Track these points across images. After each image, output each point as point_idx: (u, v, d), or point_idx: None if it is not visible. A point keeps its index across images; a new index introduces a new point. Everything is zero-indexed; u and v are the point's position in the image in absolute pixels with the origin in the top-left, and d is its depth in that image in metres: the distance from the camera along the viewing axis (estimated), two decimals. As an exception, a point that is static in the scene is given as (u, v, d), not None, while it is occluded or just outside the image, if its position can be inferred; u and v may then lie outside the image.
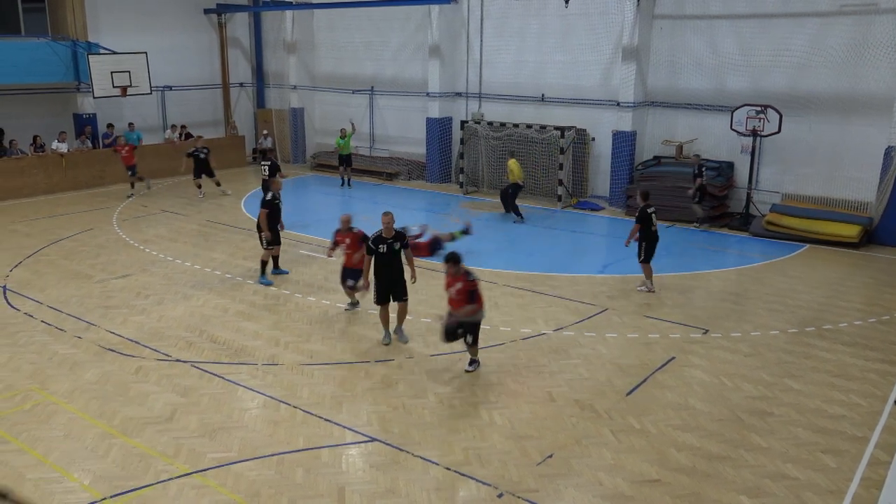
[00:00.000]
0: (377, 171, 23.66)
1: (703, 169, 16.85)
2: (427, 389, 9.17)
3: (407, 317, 10.82)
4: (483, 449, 7.81)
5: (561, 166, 19.43)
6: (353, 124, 22.15)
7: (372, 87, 24.33)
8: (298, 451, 7.78)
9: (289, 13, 25.05)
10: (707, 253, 15.44)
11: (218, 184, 20.46)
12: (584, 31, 19.59)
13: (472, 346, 9.57)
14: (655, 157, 18.93)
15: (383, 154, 24.59)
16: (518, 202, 18.22)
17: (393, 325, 10.68)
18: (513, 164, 18.23)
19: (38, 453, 7.72)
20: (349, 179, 22.25)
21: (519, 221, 17.90)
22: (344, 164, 22.06)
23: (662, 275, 13.82)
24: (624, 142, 18.94)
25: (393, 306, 10.57)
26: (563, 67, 20.19)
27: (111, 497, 6.96)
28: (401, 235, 10.29)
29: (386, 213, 10.22)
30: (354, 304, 11.86)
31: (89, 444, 7.89)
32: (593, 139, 19.96)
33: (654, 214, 12.70)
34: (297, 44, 25.40)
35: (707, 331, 11.11)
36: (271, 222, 12.97)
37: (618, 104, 18.98)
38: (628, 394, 9.09)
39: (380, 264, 10.25)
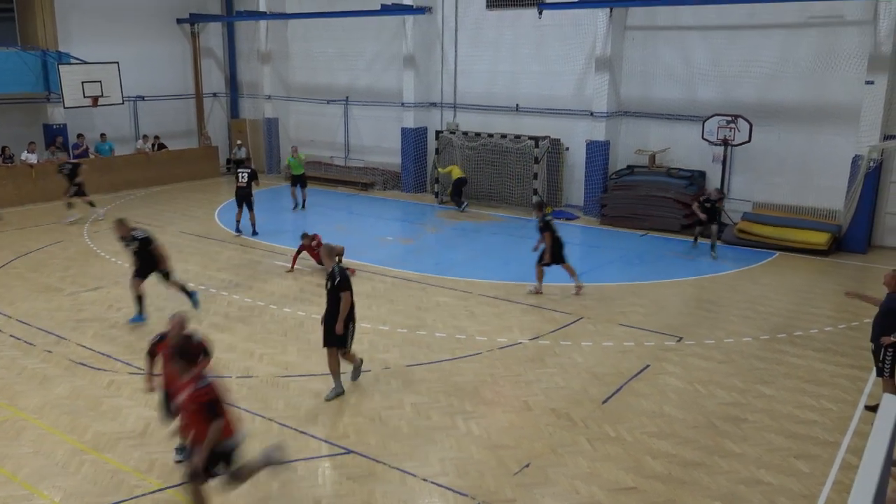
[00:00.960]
0: (352, 181, 23.61)
1: (721, 201, 16.18)
2: (403, 400, 9.15)
3: (381, 326, 10.77)
4: (460, 459, 7.81)
5: (535, 176, 19.55)
6: (294, 149, 20.64)
7: (347, 97, 24.32)
8: (274, 464, 7.70)
9: (262, 23, 24.97)
10: (680, 261, 15.60)
11: (71, 205, 18.69)
12: (557, 42, 19.77)
13: (238, 480, 6.58)
14: (629, 167, 19.12)
15: (358, 164, 24.56)
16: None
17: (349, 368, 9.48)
18: (453, 167, 20.28)
19: (6, 470, 7.57)
20: (304, 201, 20.43)
21: (459, 210, 20.00)
22: (298, 185, 20.29)
23: (636, 283, 13.96)
24: (597, 151, 19.11)
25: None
26: (537, 77, 20.34)
27: (82, 514, 6.84)
28: (332, 275, 8.81)
29: (324, 245, 9.42)
30: (182, 448, 7.34)
31: (60, 461, 7.75)
32: (567, 149, 20.11)
33: (552, 221, 13.18)
34: (271, 54, 25.32)
35: (681, 338, 11.22)
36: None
37: (591, 114, 19.15)
38: (604, 402, 9.14)
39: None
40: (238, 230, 17.25)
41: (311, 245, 14.44)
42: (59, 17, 21.80)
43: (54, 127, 22.13)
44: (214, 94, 27.20)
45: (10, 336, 11.16)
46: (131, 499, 7.07)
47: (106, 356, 10.43)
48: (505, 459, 7.80)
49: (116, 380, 9.69)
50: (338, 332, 8.80)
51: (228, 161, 25.92)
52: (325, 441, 8.17)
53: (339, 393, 9.13)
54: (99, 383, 9.58)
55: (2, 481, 7.37)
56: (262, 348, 10.76)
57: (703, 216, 15.65)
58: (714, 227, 15.77)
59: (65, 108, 21.34)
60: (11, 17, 21.73)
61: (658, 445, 8.10)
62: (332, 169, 24.63)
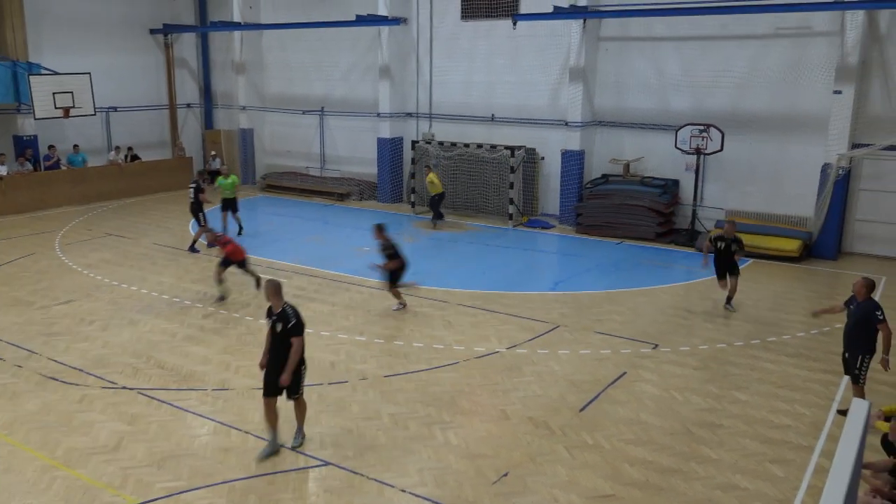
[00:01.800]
0: (328, 191, 23.54)
1: (735, 244, 12.72)
2: (381, 411, 9.11)
3: (358, 337, 10.68)
4: (438, 469, 7.78)
5: (511, 185, 19.64)
6: (225, 169, 18.70)
7: (322, 108, 24.27)
8: (250, 477, 7.62)
9: (237, 33, 24.87)
10: (654, 269, 15.73)
11: None
12: (532, 53, 19.92)
13: None
14: (604, 176, 19.28)
15: (334, 174, 24.49)
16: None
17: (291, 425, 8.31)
18: (434, 176, 19.20)
19: (-25, 488, 7.41)
20: (239, 226, 18.12)
21: (441, 223, 19.40)
22: (229, 210, 18.07)
23: (612, 291, 14.04)
24: (573, 161, 19.25)
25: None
26: (512, 88, 20.47)
27: (54, 532, 6.71)
28: (285, 316, 7.75)
29: (267, 282, 8.14)
30: None
31: (30, 478, 7.60)
32: (543, 158, 20.24)
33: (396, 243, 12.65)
34: (245, 64, 25.21)
35: (657, 345, 11.30)
36: None
37: (566, 124, 19.29)
38: (581, 410, 9.17)
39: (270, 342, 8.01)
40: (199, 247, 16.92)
41: (218, 241, 13.85)
42: (29, 26, 21.53)
43: (25, 138, 21.82)
44: (188, 105, 27.00)
45: (-21, 351, 10.95)
46: (104, 515, 6.96)
47: (78, 370, 10.27)
48: (483, 469, 7.79)
49: (88, 394, 9.54)
50: (283, 384, 7.74)
51: (203, 172, 25.66)
52: (303, 453, 8.10)
53: (275, 450, 7.98)
54: (71, 398, 9.43)
55: (-30, 500, 7.23)
56: (238, 360, 10.66)
57: (706, 255, 12.96)
58: (734, 280, 12.79)
59: (35, 119, 21.04)
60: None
61: (635, 452, 8.14)
62: (308, 179, 24.54)
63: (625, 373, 10.27)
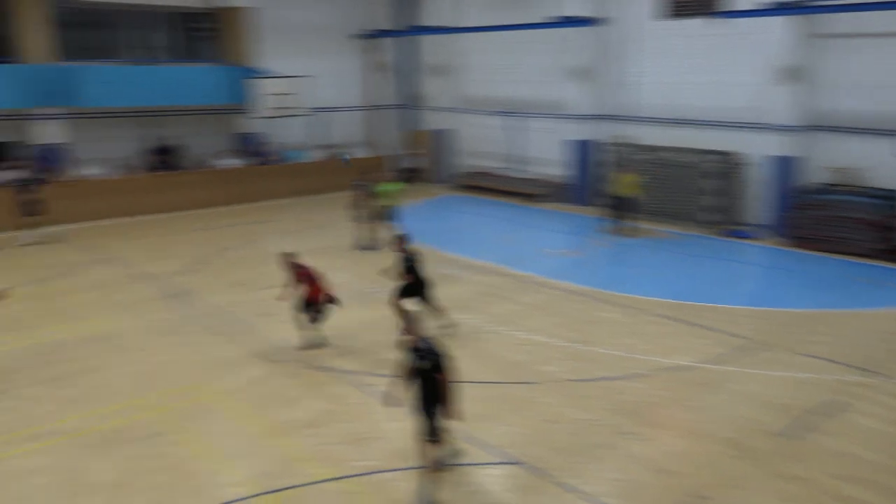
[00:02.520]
0: (520, 192, 23.64)
1: None
2: (565, 414, 9.04)
3: (543, 339, 10.58)
4: (625, 481, 7.59)
5: (713, 191, 18.64)
6: (388, 174, 17.75)
7: (518, 109, 24.43)
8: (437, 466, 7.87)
9: (435, 37, 25.74)
10: (872, 288, 14.24)
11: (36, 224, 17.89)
12: (735, 51, 18.71)
13: None
14: (824, 185, 17.64)
15: (526, 175, 24.46)
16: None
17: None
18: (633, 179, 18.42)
19: (195, 447, 8.29)
20: (384, 238, 16.35)
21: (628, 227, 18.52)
22: (386, 218, 16.86)
23: (822, 310, 12.90)
24: (783, 167, 17.90)
25: None
26: (713, 88, 19.36)
27: (256, 495, 7.34)
28: (425, 351, 7.15)
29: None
30: None
31: (249, 442, 8.39)
32: (749, 164, 18.99)
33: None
34: (445, 67, 26.06)
35: (869, 372, 10.24)
36: None
37: (774, 127, 17.98)
38: (782, 435, 8.53)
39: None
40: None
41: (299, 267, 11.32)
42: (253, 35, 23.67)
43: (247, 135, 24.06)
44: (390, 106, 28.25)
45: (204, 325, 12.23)
46: (302, 485, 7.51)
47: (288, 349, 11.13)
48: (671, 486, 7.49)
49: (296, 371, 10.33)
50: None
51: (400, 171, 26.84)
52: (487, 448, 8.23)
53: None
54: (283, 374, 10.27)
55: (189, 457, 8.10)
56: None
57: None
58: None
59: (256, 118, 23.04)
60: (213, 36, 23.81)
61: (845, 489, 7.43)
62: (500, 180, 24.81)
63: (833, 400, 9.40)
